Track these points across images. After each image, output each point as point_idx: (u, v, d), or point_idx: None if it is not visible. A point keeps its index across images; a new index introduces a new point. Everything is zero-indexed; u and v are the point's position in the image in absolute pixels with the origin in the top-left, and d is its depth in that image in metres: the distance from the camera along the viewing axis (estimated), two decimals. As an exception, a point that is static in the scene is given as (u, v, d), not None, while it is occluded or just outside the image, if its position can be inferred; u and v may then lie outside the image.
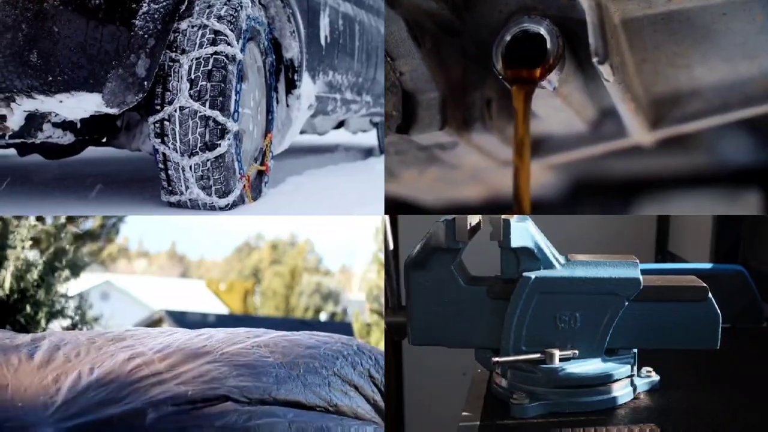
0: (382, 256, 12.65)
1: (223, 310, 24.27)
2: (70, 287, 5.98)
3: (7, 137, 3.04)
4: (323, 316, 22.71)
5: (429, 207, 3.23)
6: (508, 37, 2.24)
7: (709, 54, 2.29)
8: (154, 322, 16.62)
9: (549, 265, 1.78)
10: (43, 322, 5.57)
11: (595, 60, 2.12)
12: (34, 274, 5.44)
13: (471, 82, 2.47)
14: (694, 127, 2.53)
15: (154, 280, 30.21)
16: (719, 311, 1.77)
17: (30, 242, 5.48)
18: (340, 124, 6.18)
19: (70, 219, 6.33)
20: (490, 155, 2.69)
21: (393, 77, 2.40)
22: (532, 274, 1.76)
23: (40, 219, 5.68)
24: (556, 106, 2.41)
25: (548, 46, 2.19)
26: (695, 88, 2.44)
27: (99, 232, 8.24)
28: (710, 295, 1.77)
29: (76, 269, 5.95)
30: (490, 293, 1.80)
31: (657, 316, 1.78)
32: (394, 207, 3.22)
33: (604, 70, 2.14)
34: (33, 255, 5.55)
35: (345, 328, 15.23)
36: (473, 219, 1.81)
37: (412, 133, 2.46)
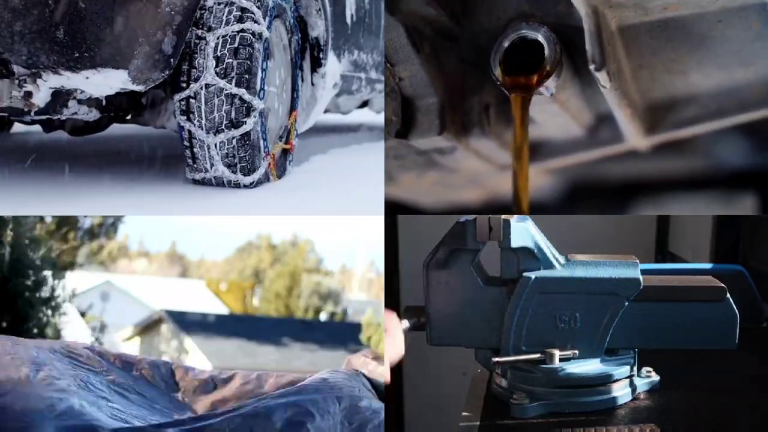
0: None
1: (224, 311, 24.23)
2: (61, 281, 6.01)
3: (32, 113, 3.05)
4: (323, 316, 22.66)
5: (428, 210, 3.25)
6: (506, 44, 2.25)
7: (705, 61, 2.31)
8: (154, 322, 16.62)
9: (549, 265, 1.79)
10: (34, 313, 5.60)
11: (592, 67, 2.13)
12: (25, 266, 5.46)
13: (469, 87, 2.49)
14: (689, 133, 2.54)
15: (154, 280, 30.14)
16: (737, 311, 1.79)
17: (23, 236, 5.51)
18: (364, 104, 6.16)
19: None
20: (488, 159, 2.71)
21: (392, 83, 2.41)
22: (532, 274, 1.78)
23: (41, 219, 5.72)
24: (553, 111, 2.43)
25: (546, 52, 2.21)
26: (691, 94, 2.45)
27: (98, 230, 8.26)
28: (728, 295, 1.78)
29: (66, 263, 5.99)
30: (509, 293, 1.81)
31: (675, 316, 1.80)
32: (394, 210, 3.24)
33: (601, 76, 2.15)
34: (24, 248, 5.57)
35: (352, 329, 15.26)
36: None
37: (411, 138, 2.47)
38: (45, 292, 5.91)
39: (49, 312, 5.97)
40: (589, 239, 3.42)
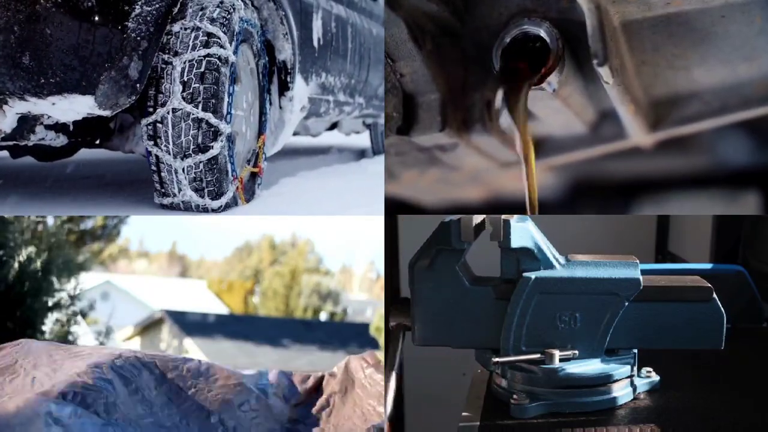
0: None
1: (224, 310, 24.25)
2: (69, 285, 6.02)
3: None
4: (323, 316, 22.70)
5: (429, 208, 3.24)
6: (508, 39, 2.25)
7: (707, 56, 2.30)
8: (154, 322, 16.64)
9: (549, 266, 1.78)
10: (42, 317, 5.60)
11: (594, 62, 2.13)
12: (34, 270, 5.46)
13: (471, 83, 2.48)
14: (693, 129, 2.54)
15: (154, 280, 30.18)
16: (723, 311, 1.78)
17: (29, 240, 5.51)
18: (333, 126, 6.21)
19: (70, 219, 6.37)
20: (490, 156, 2.70)
21: (393, 79, 2.40)
22: (532, 275, 1.77)
23: (41, 218, 5.72)
24: (555, 107, 2.42)
25: (548, 48, 2.20)
26: (694, 90, 2.45)
27: (100, 232, 8.26)
28: (715, 295, 1.78)
29: (74, 267, 5.99)
30: (495, 293, 1.80)
31: (662, 316, 1.79)
32: (395, 207, 3.23)
33: (604, 72, 2.15)
34: (32, 252, 5.57)
35: (353, 329, 15.29)
36: (477, 219, 1.82)
37: (413, 135, 2.46)
38: (54, 298, 5.91)
39: (62, 317, 5.98)
40: (589, 239, 3.41)
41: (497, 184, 3.02)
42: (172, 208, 3.24)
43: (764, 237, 2.77)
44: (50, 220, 5.99)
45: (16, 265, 5.44)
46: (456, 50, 2.43)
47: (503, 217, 1.76)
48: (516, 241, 1.76)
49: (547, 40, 2.20)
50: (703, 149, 2.87)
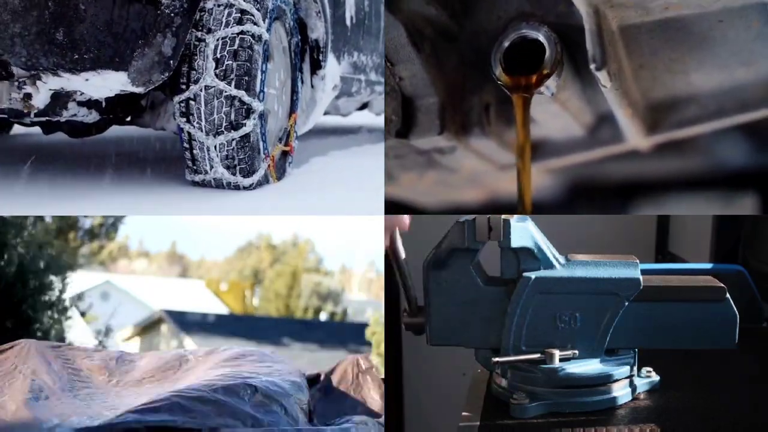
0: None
1: (223, 310, 24.21)
2: (68, 283, 6.02)
3: (32, 115, 3.05)
4: (323, 316, 22.66)
5: (428, 210, 3.25)
6: (506, 44, 2.25)
7: (705, 60, 2.31)
8: (154, 322, 16.63)
9: (549, 265, 1.79)
10: (42, 318, 5.60)
11: (592, 66, 2.14)
12: (35, 270, 5.45)
13: (469, 87, 2.49)
14: (690, 133, 2.54)
15: (154, 280, 30.12)
16: (737, 311, 1.79)
17: (29, 239, 5.51)
18: (364, 106, 6.15)
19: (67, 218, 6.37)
20: (488, 159, 2.71)
21: (392, 82, 2.41)
22: (532, 274, 1.78)
23: (40, 218, 5.72)
24: (554, 111, 2.43)
25: (546, 52, 2.21)
26: (692, 94, 2.45)
27: (98, 230, 8.26)
28: (728, 295, 1.79)
29: (71, 266, 5.98)
30: (508, 293, 1.81)
31: (676, 316, 1.80)
32: (394, 209, 3.24)
33: (602, 76, 2.16)
34: (33, 251, 5.57)
35: (352, 329, 15.28)
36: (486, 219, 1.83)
37: (411, 138, 2.47)
38: (49, 295, 5.91)
39: (55, 315, 5.97)
40: (589, 239, 3.41)
41: (495, 187, 3.03)
42: (204, 185, 3.25)
43: (764, 237, 2.77)
44: (49, 219, 5.99)
45: (16, 264, 5.44)
46: (455, 54, 2.44)
47: (503, 216, 1.76)
48: (516, 241, 1.77)
49: (545, 44, 2.21)
50: (700, 152, 2.88)
